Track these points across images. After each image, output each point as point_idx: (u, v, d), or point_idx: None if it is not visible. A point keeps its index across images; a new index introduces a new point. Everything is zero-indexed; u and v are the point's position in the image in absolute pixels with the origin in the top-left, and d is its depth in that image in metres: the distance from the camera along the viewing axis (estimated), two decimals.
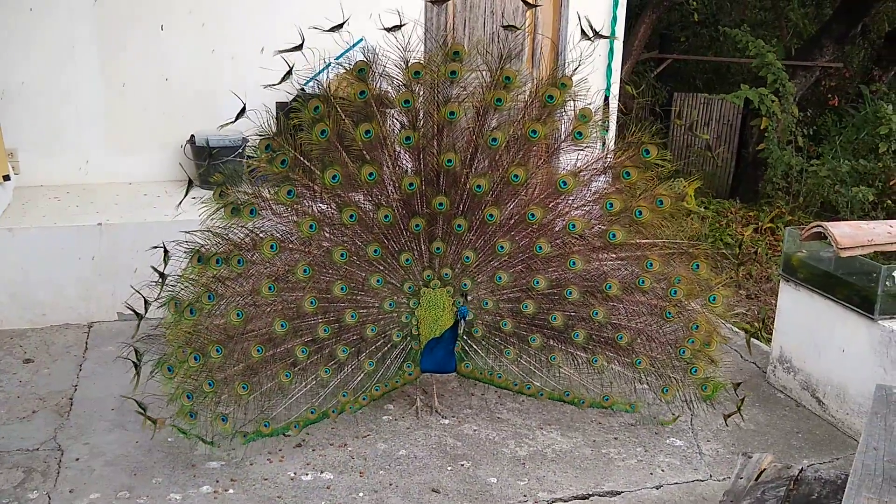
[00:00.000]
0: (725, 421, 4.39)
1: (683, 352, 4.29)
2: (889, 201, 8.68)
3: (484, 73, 4.25)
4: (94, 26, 6.25)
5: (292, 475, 3.92)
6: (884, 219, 7.67)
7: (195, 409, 3.87)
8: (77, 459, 3.97)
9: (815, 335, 4.80)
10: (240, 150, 6.07)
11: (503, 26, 4.48)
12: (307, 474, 3.93)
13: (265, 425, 4.05)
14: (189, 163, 6.31)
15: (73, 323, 5.52)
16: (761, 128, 9.52)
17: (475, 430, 4.39)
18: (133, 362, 3.88)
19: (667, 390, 4.35)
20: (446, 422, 4.46)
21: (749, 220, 9.20)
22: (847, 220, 7.47)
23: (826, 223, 4.65)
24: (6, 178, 5.71)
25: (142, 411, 3.87)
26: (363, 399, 4.30)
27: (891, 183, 8.49)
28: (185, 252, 3.96)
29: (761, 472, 3.43)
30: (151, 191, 6.27)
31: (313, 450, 4.14)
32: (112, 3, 6.25)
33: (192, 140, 6.40)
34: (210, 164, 5.70)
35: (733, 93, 9.86)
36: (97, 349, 5.13)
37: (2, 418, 4.33)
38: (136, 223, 5.55)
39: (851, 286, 4.56)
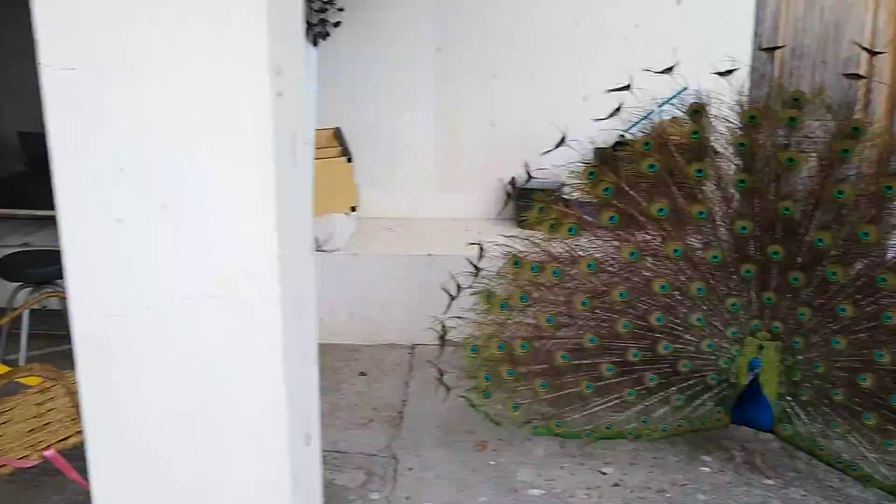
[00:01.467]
0: None
1: None
2: None
3: (828, 121, 4.07)
4: (434, 73, 6.79)
5: None
6: None
7: (491, 390, 4.23)
8: (410, 469, 4.29)
9: None
10: (557, 195, 6.27)
11: (845, 74, 4.25)
12: None
13: (557, 425, 4.22)
14: (510, 204, 6.62)
15: (398, 343, 5.99)
16: None
17: (803, 496, 4.12)
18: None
19: None
20: (770, 482, 4.23)
21: None
22: None
23: None
24: (353, 209, 6.37)
25: (439, 378, 4.42)
26: (663, 430, 4.25)
27: None
28: (501, 255, 4.35)
29: None
30: (473, 227, 6.65)
31: (631, 491, 4.13)
32: (452, 51, 6.76)
33: (512, 182, 6.74)
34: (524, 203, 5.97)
35: None
36: (421, 370, 5.52)
37: (344, 422, 4.80)
38: (461, 255, 5.91)
39: None
